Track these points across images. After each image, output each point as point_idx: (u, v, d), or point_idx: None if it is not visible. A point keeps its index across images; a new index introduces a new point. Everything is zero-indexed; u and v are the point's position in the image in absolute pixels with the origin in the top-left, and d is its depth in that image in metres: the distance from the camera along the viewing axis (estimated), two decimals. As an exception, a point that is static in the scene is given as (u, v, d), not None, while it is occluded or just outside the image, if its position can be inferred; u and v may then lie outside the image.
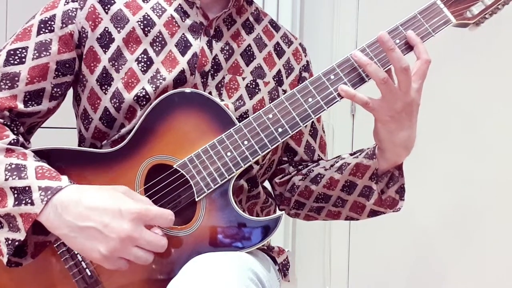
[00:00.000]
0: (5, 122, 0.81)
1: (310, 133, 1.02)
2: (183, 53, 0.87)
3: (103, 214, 0.69)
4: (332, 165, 0.95)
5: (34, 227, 0.73)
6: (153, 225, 0.72)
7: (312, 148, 1.02)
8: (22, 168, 0.74)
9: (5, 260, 0.73)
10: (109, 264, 0.71)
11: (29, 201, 0.71)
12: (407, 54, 0.81)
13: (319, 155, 1.03)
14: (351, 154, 0.94)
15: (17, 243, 0.72)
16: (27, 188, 0.72)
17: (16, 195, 0.72)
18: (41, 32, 0.85)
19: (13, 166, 0.74)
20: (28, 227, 0.71)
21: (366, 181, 0.89)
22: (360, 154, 0.91)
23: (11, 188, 0.73)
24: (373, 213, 0.93)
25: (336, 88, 0.80)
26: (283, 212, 0.79)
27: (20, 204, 0.72)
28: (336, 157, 0.97)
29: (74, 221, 0.69)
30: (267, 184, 1.03)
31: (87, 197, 0.71)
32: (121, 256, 0.70)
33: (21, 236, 0.72)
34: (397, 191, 0.90)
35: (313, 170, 0.97)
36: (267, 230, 0.78)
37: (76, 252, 0.79)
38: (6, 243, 0.73)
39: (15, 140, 0.78)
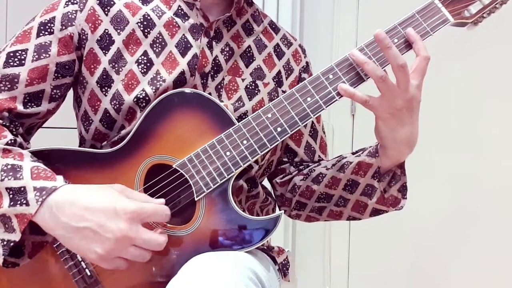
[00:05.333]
0: (4, 123, 0.81)
1: (310, 134, 1.02)
2: (183, 54, 0.88)
3: (98, 214, 0.69)
4: (334, 164, 0.94)
5: (32, 227, 0.73)
6: (151, 223, 0.72)
7: (313, 149, 1.02)
8: (18, 169, 0.74)
9: (0, 261, 0.73)
10: (107, 264, 0.71)
11: (24, 201, 0.71)
12: (406, 52, 0.81)
13: (319, 156, 1.03)
14: (353, 153, 0.94)
15: (12, 244, 0.72)
16: (22, 188, 0.72)
17: (11, 196, 0.72)
18: (41, 34, 0.85)
19: (9, 166, 0.74)
20: (23, 228, 0.71)
21: (368, 180, 0.89)
22: (362, 153, 0.91)
23: (6, 188, 0.73)
24: (375, 212, 0.92)
25: (334, 87, 0.80)
26: (283, 211, 0.79)
27: (15, 204, 0.72)
28: (337, 157, 0.97)
29: (69, 222, 0.69)
30: (267, 183, 1.03)
31: (82, 197, 0.71)
32: (118, 255, 0.70)
33: (16, 237, 0.72)
34: (399, 189, 0.89)
35: (314, 170, 0.96)
36: (267, 229, 0.78)
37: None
38: (2, 243, 0.72)
39: (12, 141, 0.78)
